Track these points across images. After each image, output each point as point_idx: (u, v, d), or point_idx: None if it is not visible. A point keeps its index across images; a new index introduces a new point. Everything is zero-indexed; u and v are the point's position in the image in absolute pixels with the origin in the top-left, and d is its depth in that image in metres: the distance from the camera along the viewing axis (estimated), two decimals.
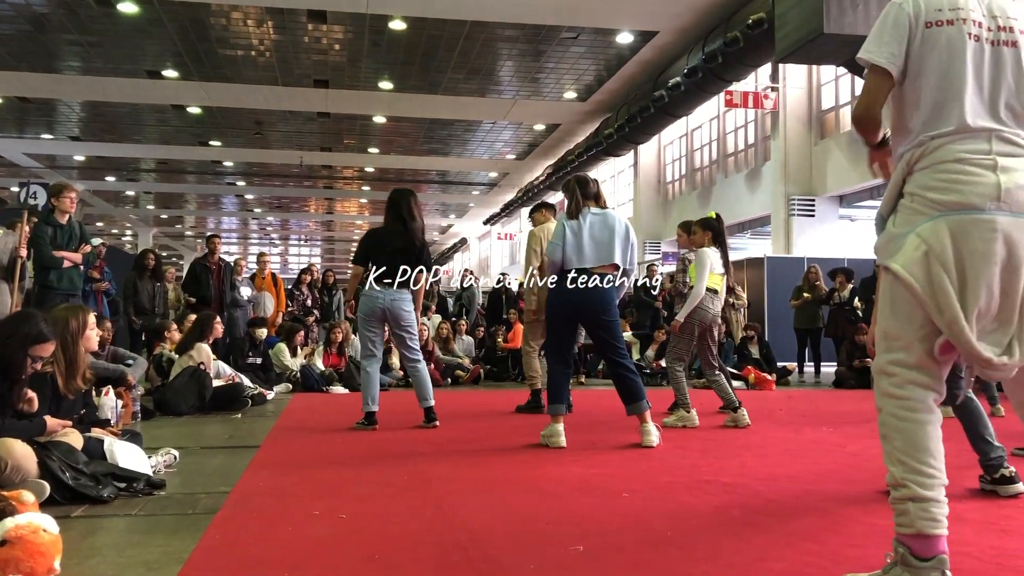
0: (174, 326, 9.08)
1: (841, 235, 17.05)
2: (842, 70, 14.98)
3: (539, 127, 22.20)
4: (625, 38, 15.42)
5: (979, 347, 2.11)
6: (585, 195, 5.40)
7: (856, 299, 10.98)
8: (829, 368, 11.96)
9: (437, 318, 12.49)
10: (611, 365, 5.29)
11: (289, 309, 11.86)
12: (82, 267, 7.60)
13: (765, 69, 17.20)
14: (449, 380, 10.85)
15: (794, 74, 17.06)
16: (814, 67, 16.60)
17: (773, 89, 17.12)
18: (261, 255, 12.50)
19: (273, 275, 12.01)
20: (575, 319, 5.39)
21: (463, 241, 42.03)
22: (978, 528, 3.03)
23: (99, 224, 38.26)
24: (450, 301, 14.87)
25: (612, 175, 26.27)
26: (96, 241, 10.18)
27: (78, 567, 2.53)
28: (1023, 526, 3.07)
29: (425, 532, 2.96)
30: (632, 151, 21.70)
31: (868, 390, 9.88)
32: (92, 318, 4.33)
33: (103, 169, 27.67)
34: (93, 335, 4.30)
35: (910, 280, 2.15)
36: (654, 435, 5.10)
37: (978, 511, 3.31)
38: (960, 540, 2.84)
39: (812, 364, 12.19)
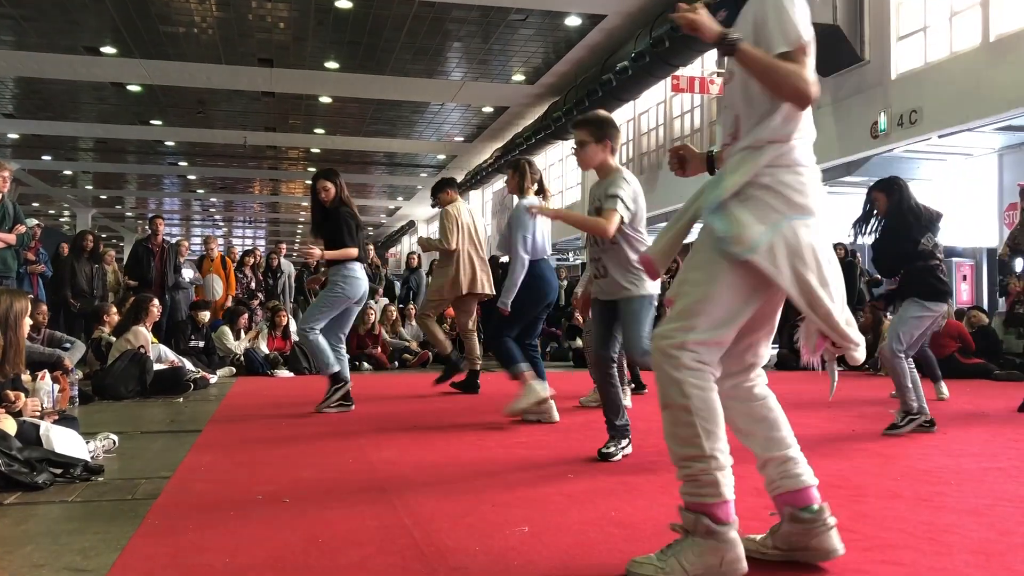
0: (113, 309, 8.89)
1: None
2: None
3: (487, 109, 22.11)
4: (573, 21, 15.41)
5: (851, 332, 2.30)
6: (532, 180, 5.61)
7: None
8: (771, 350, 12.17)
9: (384, 301, 12.41)
10: (526, 345, 5.65)
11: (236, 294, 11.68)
12: (18, 249, 7.39)
13: (712, 54, 17.31)
14: (396, 363, 10.80)
15: None
16: None
17: (719, 74, 17.27)
18: (208, 239, 12.27)
19: (223, 258, 11.81)
20: (544, 305, 5.62)
21: (411, 224, 41.73)
22: (911, 504, 3.12)
23: (35, 204, 37.16)
24: (397, 284, 14.77)
25: (560, 158, 26.30)
26: (31, 222, 9.89)
27: (10, 555, 2.47)
28: (955, 502, 3.16)
29: (369, 515, 2.95)
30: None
31: (809, 371, 10.12)
32: (30, 307, 4.22)
33: (39, 148, 26.85)
34: (28, 323, 4.19)
35: (781, 280, 2.20)
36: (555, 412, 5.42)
37: (911, 488, 3.41)
38: (895, 516, 2.92)
39: None
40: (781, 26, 2.19)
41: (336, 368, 5.94)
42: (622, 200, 3.98)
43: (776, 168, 2.25)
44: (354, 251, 5.93)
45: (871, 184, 5.59)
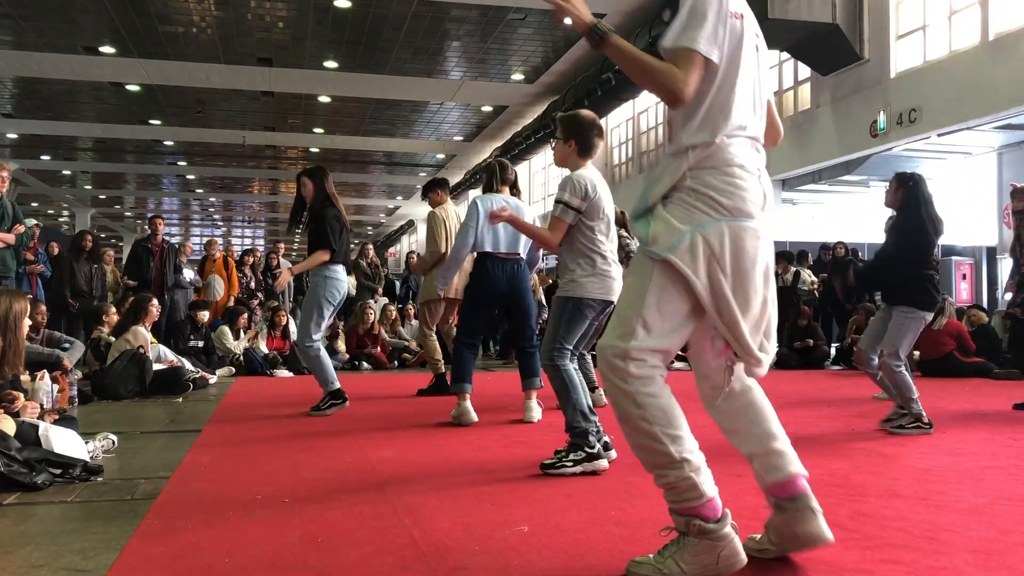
0: (112, 309, 8.88)
1: (783, 218, 17.32)
2: (785, 55, 15.17)
3: (487, 108, 22.11)
4: None
5: (753, 346, 2.23)
6: (503, 179, 5.62)
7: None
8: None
9: (383, 300, 12.41)
10: (520, 348, 5.62)
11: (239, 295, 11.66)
12: (17, 249, 7.38)
13: None
14: (396, 363, 10.80)
15: None
16: None
17: None
18: (210, 241, 12.27)
19: (225, 258, 11.79)
20: (497, 304, 5.52)
21: (410, 223, 41.70)
22: (911, 503, 3.12)
23: (34, 204, 37.14)
24: (397, 284, 14.77)
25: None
26: (30, 221, 9.88)
27: (9, 556, 2.46)
28: (955, 501, 3.16)
29: (368, 515, 2.95)
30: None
31: (808, 370, 10.11)
32: (29, 307, 4.21)
33: (38, 147, 26.84)
34: (27, 324, 4.18)
35: (695, 281, 2.15)
36: (536, 412, 5.44)
37: (911, 487, 3.40)
38: (894, 515, 2.92)
39: None
40: (680, 25, 2.17)
41: (338, 385, 5.89)
42: (565, 203, 3.97)
43: (701, 170, 2.21)
44: (323, 255, 5.79)
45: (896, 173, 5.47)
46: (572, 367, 4.12)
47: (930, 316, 5.21)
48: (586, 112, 4.27)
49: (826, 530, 2.28)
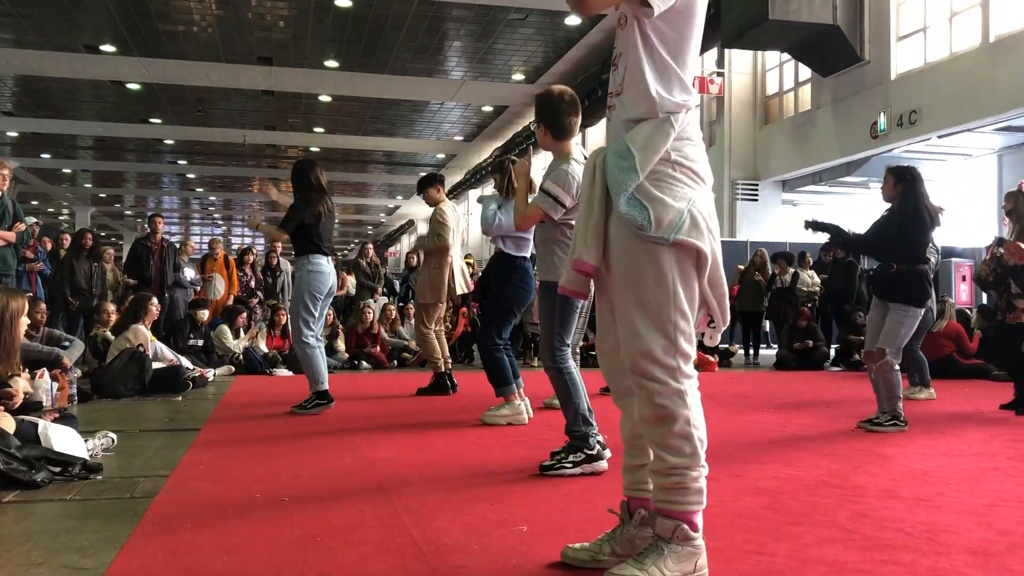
0: (112, 307, 8.88)
1: (784, 219, 17.33)
2: (786, 56, 15.18)
3: (487, 108, 22.11)
4: (573, 20, 15.41)
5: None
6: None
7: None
8: (769, 351, 12.17)
9: (383, 300, 12.40)
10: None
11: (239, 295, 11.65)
12: (17, 247, 7.39)
13: (711, 55, 17.35)
14: (395, 362, 10.79)
15: (739, 60, 17.22)
16: (759, 53, 16.79)
17: (719, 74, 17.28)
18: (213, 240, 12.27)
19: (226, 257, 11.79)
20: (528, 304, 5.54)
21: (410, 223, 41.72)
22: (910, 504, 3.12)
23: (34, 202, 37.15)
24: (396, 283, 14.76)
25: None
26: (30, 220, 9.88)
27: (9, 553, 2.46)
28: (954, 502, 3.16)
29: (368, 515, 2.94)
30: (580, 134, 21.81)
31: (808, 371, 10.11)
32: (27, 306, 4.21)
33: (38, 146, 26.86)
34: (24, 322, 4.18)
35: (709, 255, 2.12)
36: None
37: (910, 488, 3.41)
38: (893, 516, 2.92)
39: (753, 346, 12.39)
40: None
41: (326, 387, 5.83)
42: (554, 198, 3.90)
43: (680, 141, 2.15)
44: (281, 235, 5.85)
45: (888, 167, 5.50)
46: (574, 367, 4.09)
47: (922, 310, 5.23)
48: (557, 89, 3.91)
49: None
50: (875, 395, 5.31)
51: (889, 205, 5.40)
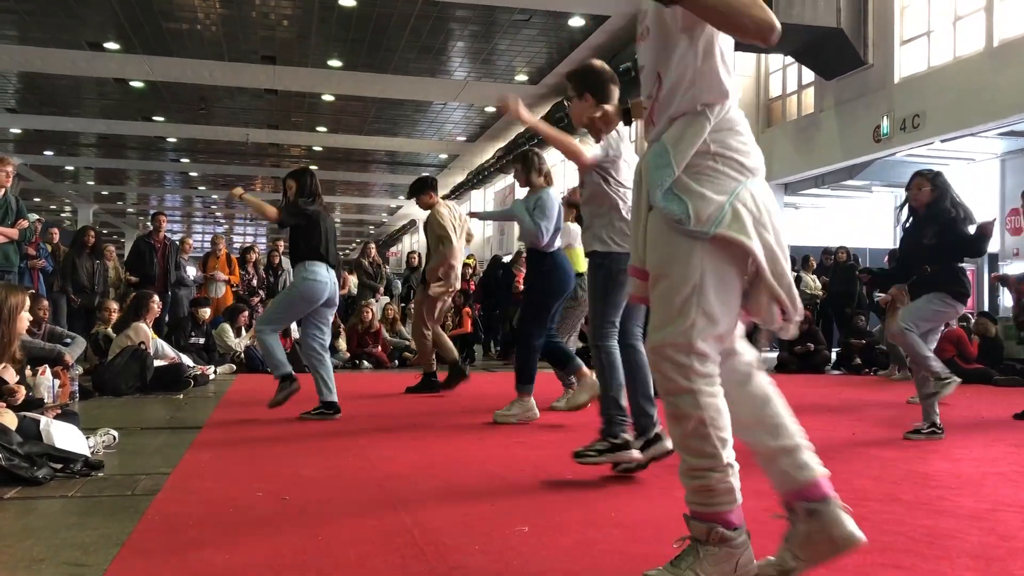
0: (114, 305, 8.89)
1: (786, 222, 17.30)
2: (789, 59, 15.17)
3: (490, 109, 22.10)
4: (577, 22, 15.40)
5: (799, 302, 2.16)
6: (540, 170, 5.60)
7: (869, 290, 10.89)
8: (770, 354, 12.16)
9: (385, 300, 12.41)
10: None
11: (234, 290, 11.65)
12: (20, 243, 7.39)
13: None
14: (397, 362, 10.80)
15: (742, 63, 17.20)
16: (762, 56, 16.78)
17: None
18: (216, 237, 12.27)
19: (228, 255, 11.80)
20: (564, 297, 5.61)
21: (412, 223, 41.68)
22: (911, 508, 3.12)
23: (37, 200, 37.15)
24: (398, 283, 14.76)
25: (562, 159, 26.31)
26: (33, 217, 9.88)
27: (10, 549, 2.46)
28: (955, 507, 3.16)
29: (368, 514, 2.95)
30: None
31: (809, 374, 10.10)
32: (28, 302, 4.21)
33: (41, 143, 26.85)
34: (25, 317, 4.18)
35: (754, 248, 2.04)
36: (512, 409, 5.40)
37: (911, 492, 3.40)
38: (895, 520, 2.92)
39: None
40: None
41: (288, 369, 5.59)
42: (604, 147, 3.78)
43: (719, 132, 2.09)
44: (272, 214, 5.52)
45: (916, 172, 5.39)
46: (615, 348, 3.84)
47: (960, 305, 5.20)
48: (596, 61, 3.87)
49: (858, 530, 2.09)
50: (915, 381, 5.19)
51: (909, 209, 5.31)
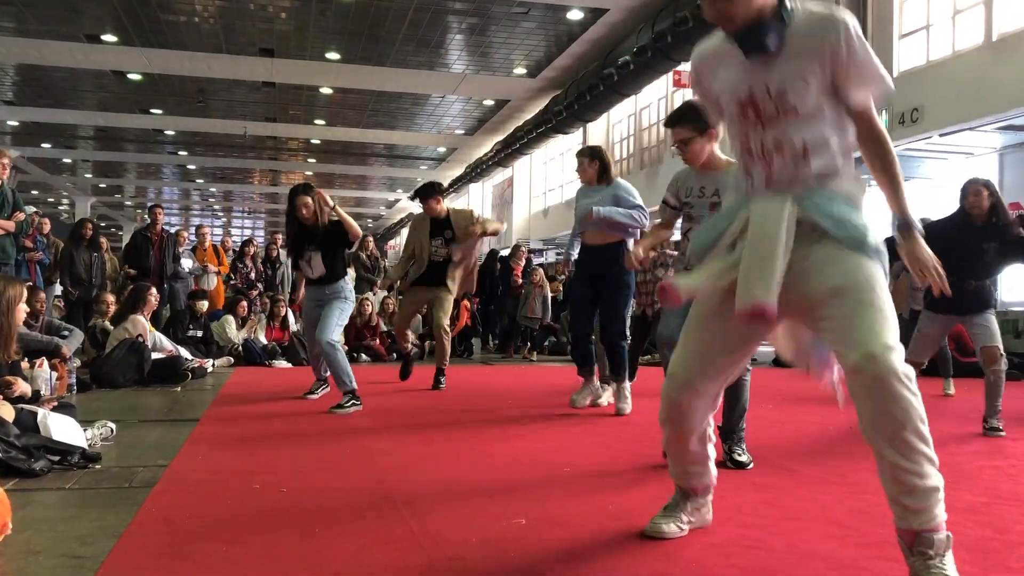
0: (111, 297, 8.88)
1: None
2: None
3: (488, 102, 22.06)
4: (575, 15, 15.37)
5: None
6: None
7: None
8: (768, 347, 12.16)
9: (382, 293, 12.41)
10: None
11: (231, 282, 11.65)
12: (17, 236, 7.38)
13: None
14: (394, 355, 10.79)
15: None
16: None
17: None
18: (200, 228, 12.28)
19: (215, 247, 11.81)
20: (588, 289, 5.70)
21: (410, 216, 41.76)
22: None
23: (34, 192, 37.08)
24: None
25: (561, 152, 26.29)
26: (30, 209, 9.87)
27: (8, 541, 2.46)
28: (952, 500, 3.11)
29: (366, 506, 2.95)
30: (581, 129, 21.74)
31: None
32: (26, 293, 4.21)
33: (38, 135, 26.79)
34: (23, 309, 4.18)
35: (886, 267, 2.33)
36: (627, 403, 5.54)
37: None
38: (891, 513, 2.91)
39: None
40: (875, 68, 2.25)
41: (355, 386, 5.66)
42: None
43: (852, 179, 2.36)
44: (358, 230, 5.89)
45: (972, 180, 5.13)
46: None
47: None
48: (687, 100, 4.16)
49: None
50: (986, 395, 5.04)
51: (963, 216, 5.05)
